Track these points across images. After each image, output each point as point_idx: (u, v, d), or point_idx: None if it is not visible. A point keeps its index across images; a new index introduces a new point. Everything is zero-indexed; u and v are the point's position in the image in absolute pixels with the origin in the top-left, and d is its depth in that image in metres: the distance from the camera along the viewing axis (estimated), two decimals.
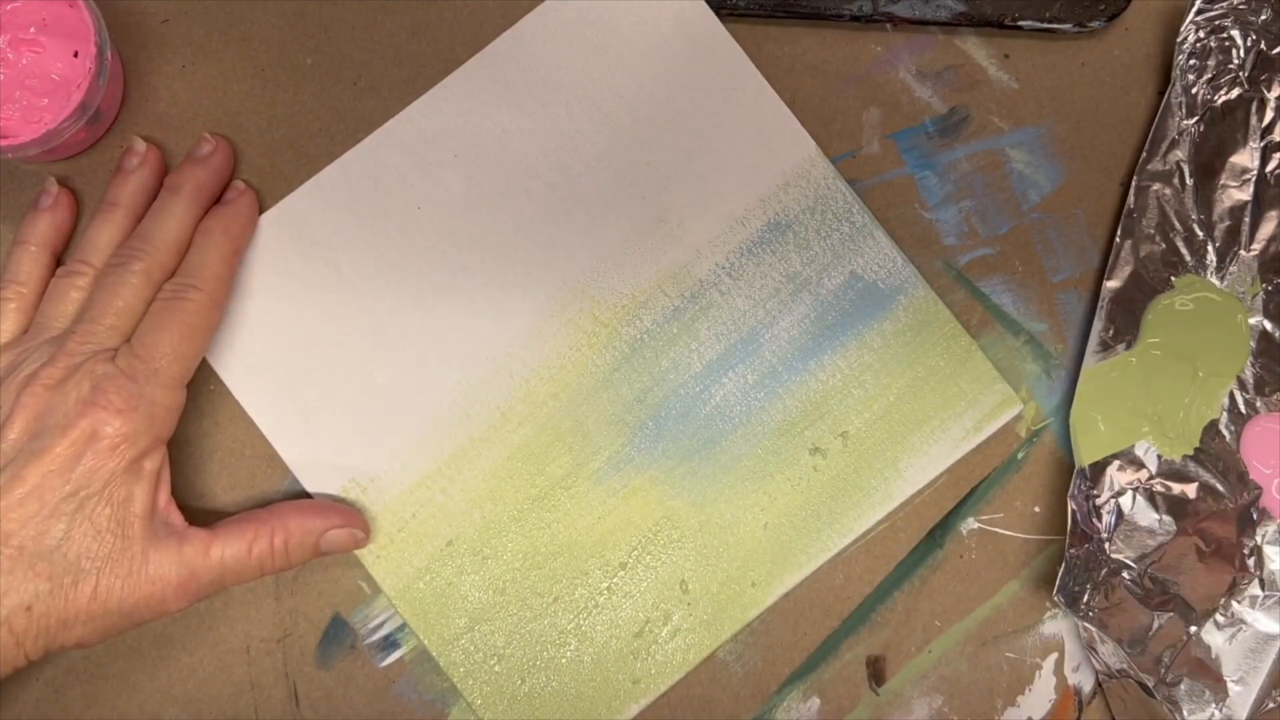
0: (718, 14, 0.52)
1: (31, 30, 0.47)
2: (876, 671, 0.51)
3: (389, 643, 0.50)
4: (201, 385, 0.50)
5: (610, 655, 0.51)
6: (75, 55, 0.47)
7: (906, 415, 0.52)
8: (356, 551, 0.50)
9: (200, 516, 0.49)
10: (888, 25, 0.53)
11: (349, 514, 0.49)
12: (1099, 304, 0.51)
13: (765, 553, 0.51)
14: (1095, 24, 0.52)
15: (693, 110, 0.52)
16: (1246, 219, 0.52)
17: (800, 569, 0.51)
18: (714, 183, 0.52)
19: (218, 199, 0.50)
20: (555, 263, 0.51)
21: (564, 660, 0.51)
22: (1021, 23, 0.52)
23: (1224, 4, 0.52)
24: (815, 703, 0.51)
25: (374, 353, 0.51)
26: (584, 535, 0.51)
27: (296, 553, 0.48)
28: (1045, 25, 0.52)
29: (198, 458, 0.51)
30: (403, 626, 0.50)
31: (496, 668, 0.50)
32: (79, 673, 0.50)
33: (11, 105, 0.47)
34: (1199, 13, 0.52)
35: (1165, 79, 0.53)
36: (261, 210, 0.51)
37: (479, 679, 0.50)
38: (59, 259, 0.50)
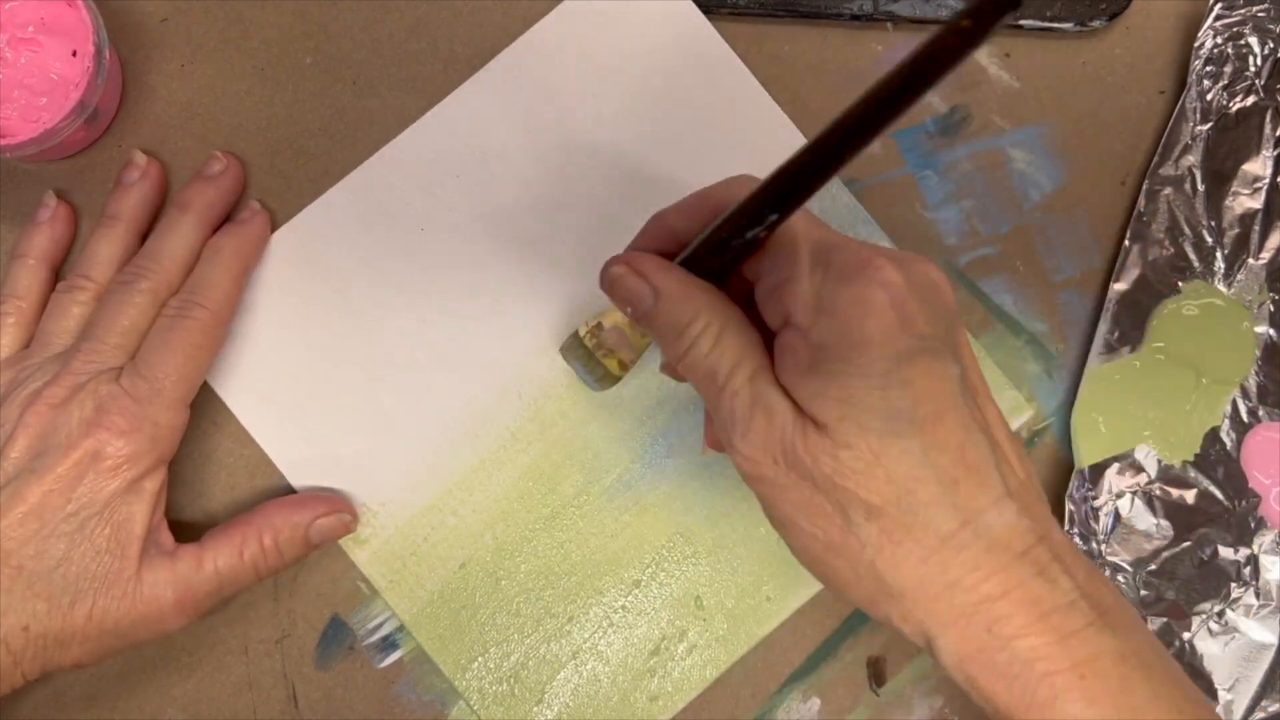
0: (718, 13, 0.52)
1: (30, 29, 0.47)
2: (877, 672, 0.51)
3: (388, 643, 0.50)
4: (202, 395, 0.50)
5: (627, 674, 0.50)
6: (74, 54, 0.47)
7: None
8: (370, 577, 0.50)
9: (201, 530, 0.48)
10: (888, 24, 0.53)
11: (332, 500, 0.49)
12: (1105, 306, 0.51)
13: (779, 566, 0.51)
14: (1096, 23, 0.52)
15: (694, 124, 0.52)
16: (1256, 227, 0.51)
17: (815, 581, 0.51)
18: None
19: (226, 218, 0.50)
20: (560, 280, 0.51)
21: (581, 680, 0.50)
22: (1022, 22, 0.52)
23: (1243, 10, 0.52)
24: (815, 703, 0.51)
25: (380, 375, 0.51)
26: (597, 554, 0.51)
27: (288, 548, 0.48)
28: (1046, 24, 0.52)
29: (198, 464, 0.51)
30: (401, 628, 0.50)
31: (515, 690, 0.50)
32: (79, 672, 0.50)
33: (10, 104, 0.47)
34: (1217, 18, 0.52)
35: (1167, 78, 0.53)
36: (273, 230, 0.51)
37: (497, 703, 0.50)
38: (57, 273, 0.50)
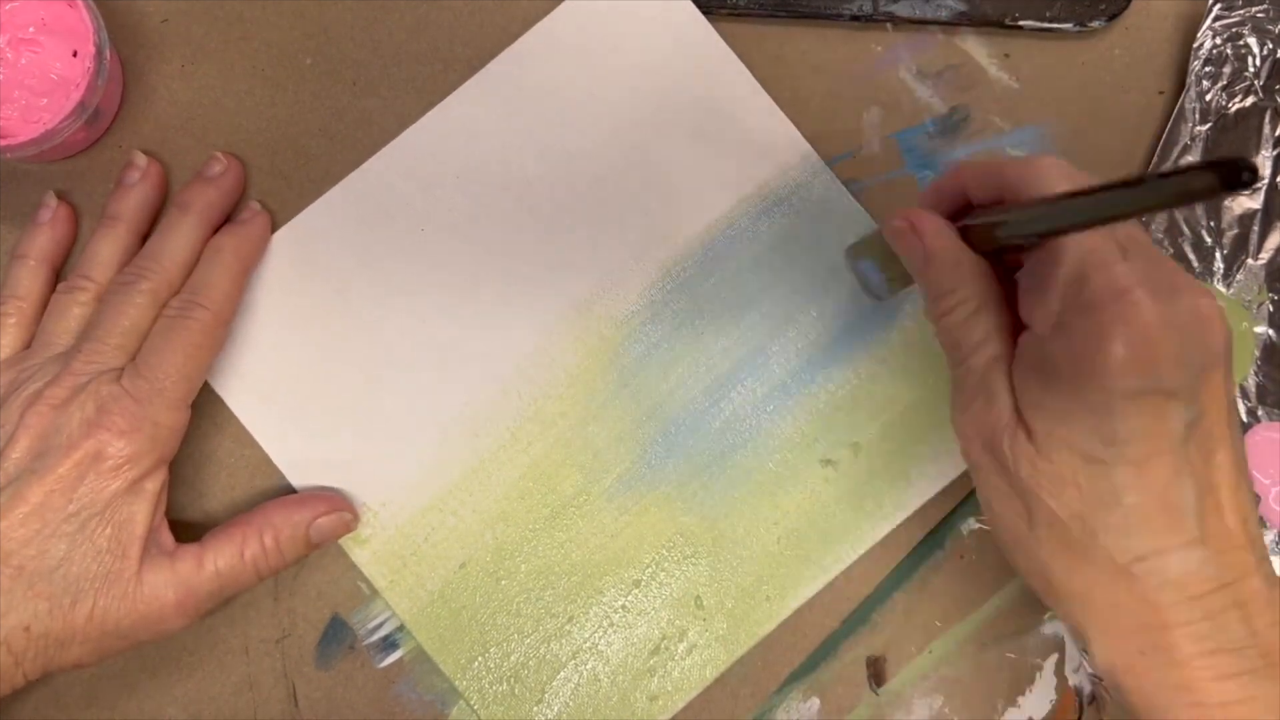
0: (718, 14, 0.52)
1: (30, 30, 0.47)
2: (877, 672, 0.51)
3: (388, 643, 0.50)
4: (202, 395, 0.50)
5: (627, 673, 0.50)
6: (74, 55, 0.47)
7: (917, 425, 0.51)
8: (371, 576, 0.50)
9: (201, 530, 0.48)
10: (888, 25, 0.53)
11: (333, 499, 0.49)
12: None
13: (779, 566, 0.51)
14: (1095, 24, 0.52)
15: (695, 125, 0.52)
16: (1255, 228, 0.51)
17: (815, 581, 0.51)
18: (718, 197, 0.52)
19: (226, 218, 0.50)
20: (560, 280, 0.51)
21: (581, 680, 0.50)
22: (1022, 22, 0.52)
23: (1242, 11, 0.52)
24: (815, 703, 0.51)
25: (381, 376, 0.51)
26: (597, 554, 0.51)
27: (289, 547, 0.48)
28: (1045, 25, 0.52)
29: (198, 464, 0.51)
30: (401, 627, 0.50)
31: (515, 690, 0.50)
32: (78, 672, 0.50)
33: (10, 105, 0.46)
34: (1216, 19, 0.52)
35: (1166, 79, 0.53)
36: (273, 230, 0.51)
37: (497, 703, 0.50)
38: (58, 274, 0.50)
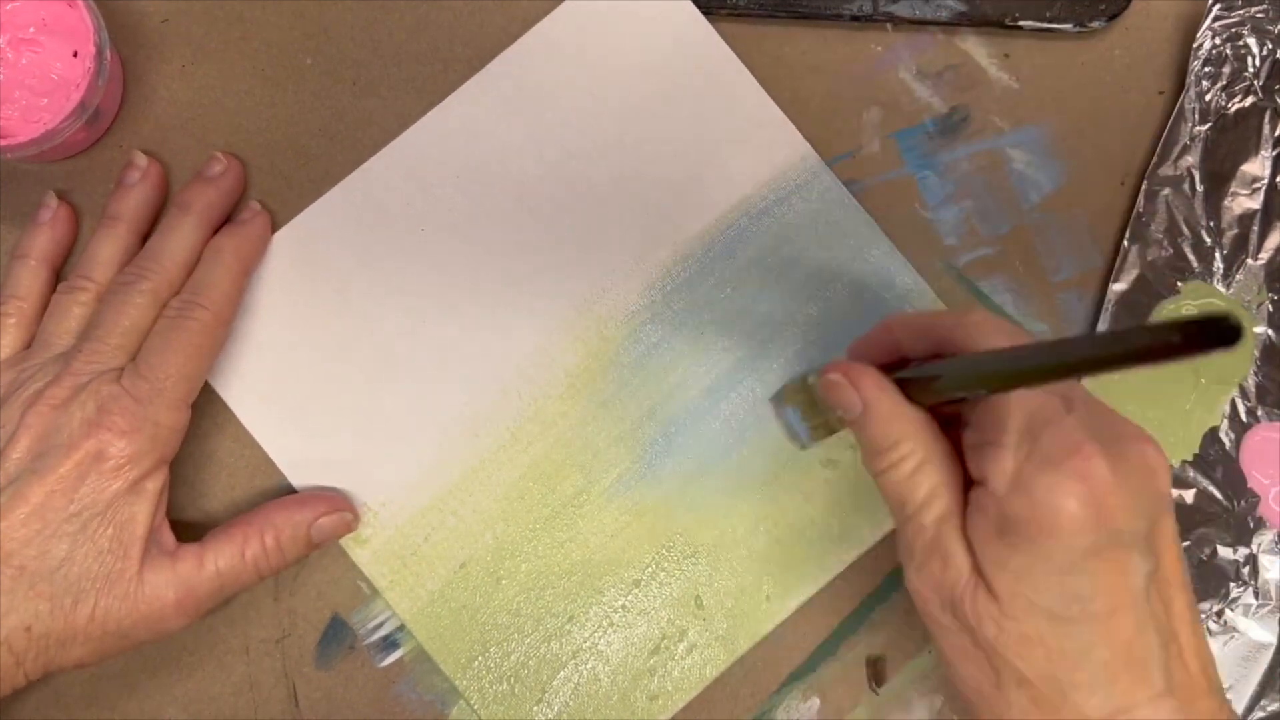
0: (718, 14, 0.52)
1: (31, 30, 0.47)
2: (877, 671, 0.51)
3: (388, 643, 0.50)
4: (202, 395, 0.50)
5: (627, 673, 0.50)
6: (75, 55, 0.47)
7: None
8: (371, 576, 0.50)
9: (201, 530, 0.48)
10: (888, 25, 0.53)
11: (334, 499, 0.49)
12: (1104, 306, 0.51)
13: (779, 566, 0.51)
14: (1095, 24, 0.52)
15: (695, 125, 0.52)
16: (1255, 228, 0.52)
17: (815, 581, 0.51)
18: (718, 197, 0.52)
19: (227, 218, 0.50)
20: (560, 280, 0.51)
21: (581, 680, 0.50)
22: (1022, 22, 0.52)
23: (1241, 11, 0.52)
24: (815, 703, 0.51)
25: (381, 375, 0.51)
26: (597, 553, 0.51)
27: (290, 547, 0.48)
28: (1045, 25, 0.52)
29: (198, 464, 0.51)
30: (402, 627, 0.50)
31: (515, 690, 0.50)
32: (79, 672, 0.50)
33: (11, 105, 0.47)
34: (1216, 19, 0.52)
35: (1166, 79, 0.53)
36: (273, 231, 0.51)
37: (497, 702, 0.50)
38: (58, 274, 0.50)
